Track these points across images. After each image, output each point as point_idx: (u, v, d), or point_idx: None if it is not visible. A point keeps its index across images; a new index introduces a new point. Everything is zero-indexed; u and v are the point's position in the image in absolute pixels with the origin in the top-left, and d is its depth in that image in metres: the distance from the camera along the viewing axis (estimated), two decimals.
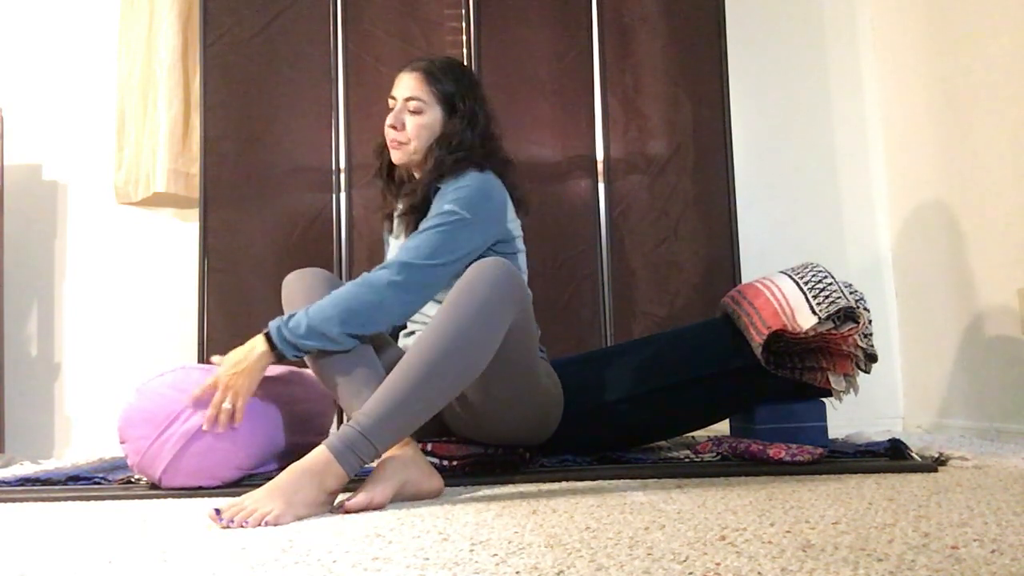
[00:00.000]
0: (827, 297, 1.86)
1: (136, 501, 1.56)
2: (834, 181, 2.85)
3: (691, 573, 0.82)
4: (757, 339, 1.85)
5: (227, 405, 1.54)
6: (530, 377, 1.65)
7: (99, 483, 1.71)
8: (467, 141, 1.73)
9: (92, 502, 1.57)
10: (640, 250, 2.58)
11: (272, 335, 1.52)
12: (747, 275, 2.48)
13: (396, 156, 1.77)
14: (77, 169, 2.82)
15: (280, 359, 1.54)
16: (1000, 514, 1.09)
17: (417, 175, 1.79)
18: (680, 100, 2.62)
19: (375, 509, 1.33)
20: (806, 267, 1.98)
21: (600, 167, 2.61)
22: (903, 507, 1.17)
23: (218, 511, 1.22)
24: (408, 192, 1.77)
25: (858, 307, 1.86)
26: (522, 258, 1.83)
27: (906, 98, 2.66)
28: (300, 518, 1.27)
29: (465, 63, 2.56)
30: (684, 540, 0.98)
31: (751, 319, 1.90)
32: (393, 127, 1.75)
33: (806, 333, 1.83)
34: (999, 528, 1.00)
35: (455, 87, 1.75)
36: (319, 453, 1.33)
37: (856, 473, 1.57)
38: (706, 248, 2.57)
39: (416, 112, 1.73)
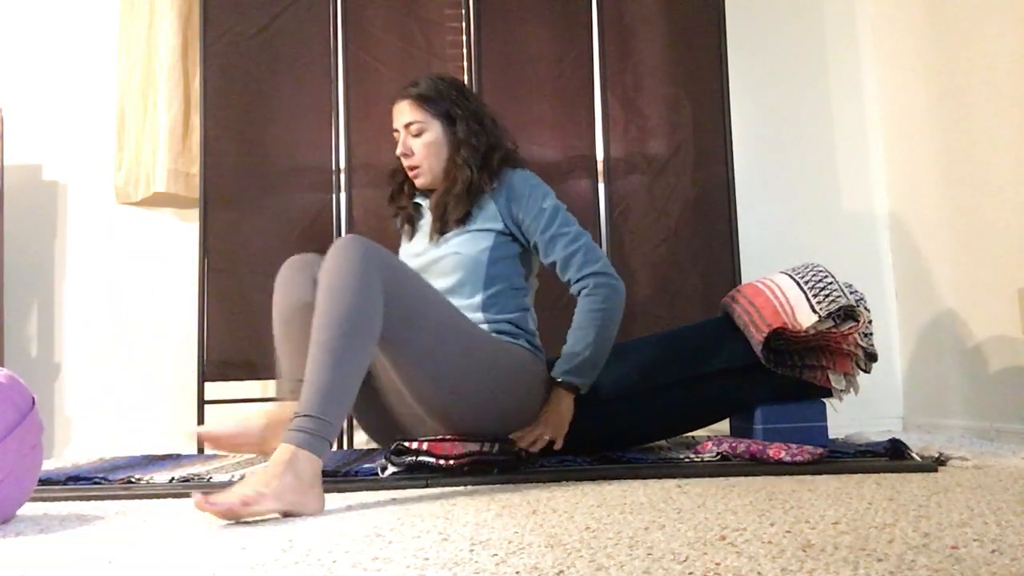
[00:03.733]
0: (827, 296, 1.86)
1: (136, 501, 1.56)
2: (834, 181, 2.85)
3: (691, 573, 0.82)
4: (758, 337, 1.85)
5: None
6: (464, 338, 1.67)
7: (99, 483, 1.71)
8: (483, 140, 1.86)
9: (92, 502, 1.57)
10: (640, 250, 2.58)
11: (579, 385, 1.80)
12: (747, 275, 2.48)
13: (420, 181, 1.89)
14: (77, 169, 2.82)
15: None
16: (1000, 514, 1.09)
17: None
18: (680, 100, 2.62)
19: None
20: (807, 267, 1.98)
21: (600, 167, 2.61)
22: (903, 507, 1.17)
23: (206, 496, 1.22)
24: (442, 203, 1.85)
25: (858, 306, 1.86)
26: None
27: (906, 98, 2.66)
28: (287, 511, 1.28)
29: (465, 72, 2.58)
30: (684, 540, 0.98)
31: (751, 317, 1.90)
32: (404, 155, 1.87)
33: (806, 331, 1.83)
34: (999, 528, 1.00)
35: (446, 99, 1.86)
36: (281, 451, 1.34)
37: (856, 473, 1.57)
38: (706, 248, 2.57)
39: (418, 135, 1.85)
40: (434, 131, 1.85)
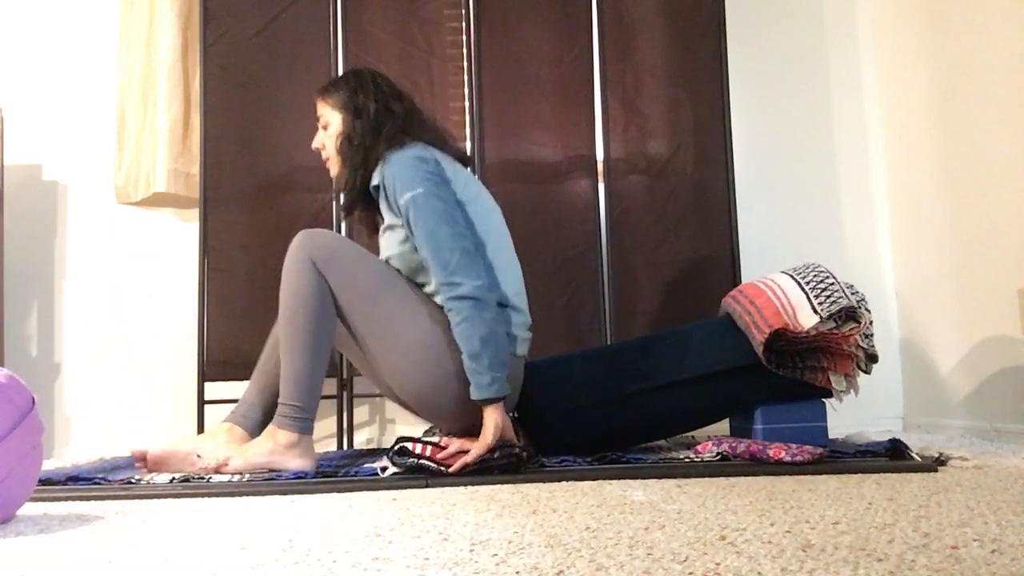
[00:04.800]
0: (828, 296, 1.86)
1: (136, 501, 1.56)
2: (834, 181, 2.85)
3: (691, 573, 0.82)
4: (759, 338, 1.85)
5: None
6: (391, 308, 1.76)
7: (99, 483, 1.71)
8: (360, 129, 1.84)
9: (92, 502, 1.57)
10: (640, 250, 2.58)
11: (484, 398, 1.69)
12: (747, 275, 2.48)
13: (332, 173, 1.94)
14: (77, 169, 2.82)
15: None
16: (1000, 514, 1.09)
17: None
18: (680, 100, 2.62)
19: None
20: (808, 267, 1.98)
21: (600, 167, 2.61)
22: (903, 507, 1.17)
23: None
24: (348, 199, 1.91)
25: (859, 307, 1.86)
26: (498, 217, 1.89)
27: (906, 98, 2.66)
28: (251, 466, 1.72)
29: (465, 72, 2.57)
30: (684, 540, 0.98)
31: (752, 318, 1.90)
32: (318, 149, 1.94)
33: (807, 332, 1.83)
34: (999, 528, 1.00)
35: (346, 90, 1.89)
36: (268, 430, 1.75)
37: (856, 473, 1.57)
38: (706, 248, 2.57)
39: (324, 127, 1.91)
40: (335, 123, 1.88)
